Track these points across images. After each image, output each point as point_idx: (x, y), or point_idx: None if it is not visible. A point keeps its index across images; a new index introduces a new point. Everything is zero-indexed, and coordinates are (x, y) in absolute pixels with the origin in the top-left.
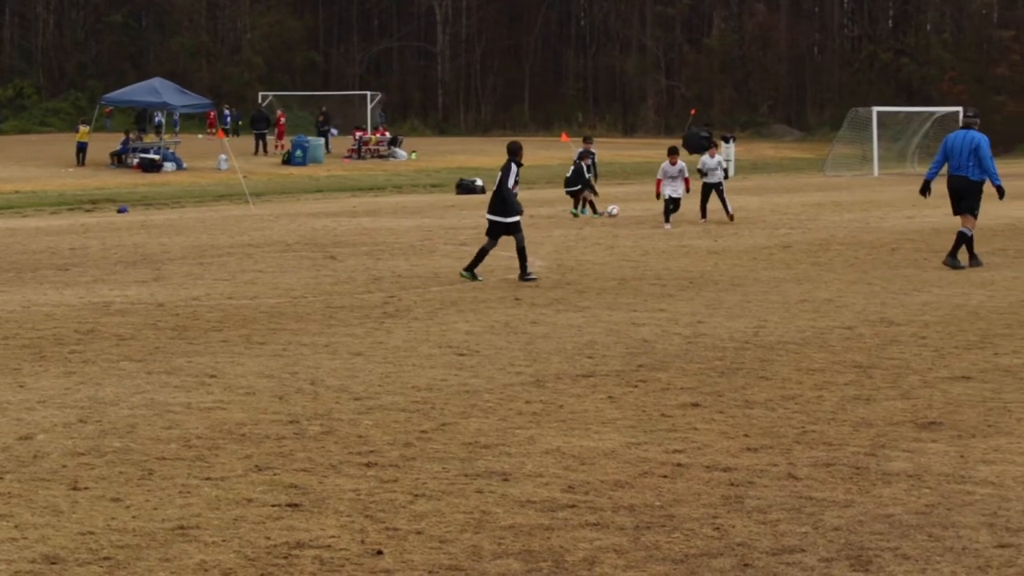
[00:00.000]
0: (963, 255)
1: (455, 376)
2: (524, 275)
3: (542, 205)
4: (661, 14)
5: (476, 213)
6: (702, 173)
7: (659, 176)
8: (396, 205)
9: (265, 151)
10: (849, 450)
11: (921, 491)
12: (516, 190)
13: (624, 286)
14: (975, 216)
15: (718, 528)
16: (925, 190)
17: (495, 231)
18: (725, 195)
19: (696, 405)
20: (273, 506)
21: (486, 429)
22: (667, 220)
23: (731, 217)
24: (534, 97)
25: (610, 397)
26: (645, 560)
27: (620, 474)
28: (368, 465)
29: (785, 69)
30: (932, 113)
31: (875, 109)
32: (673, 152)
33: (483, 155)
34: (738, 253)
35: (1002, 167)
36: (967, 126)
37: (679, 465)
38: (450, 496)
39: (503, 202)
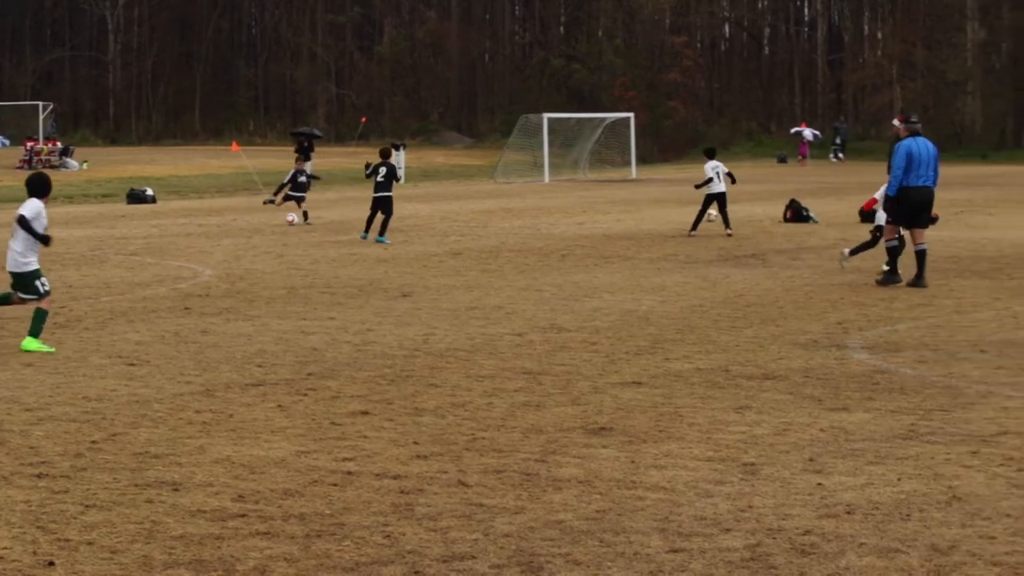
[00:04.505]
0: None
1: (125, 386)
2: None
3: (211, 214)
4: (332, 22)
5: (147, 223)
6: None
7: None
8: (67, 215)
9: None
10: (519, 456)
11: (592, 497)
12: None
13: (294, 295)
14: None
15: (388, 536)
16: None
17: None
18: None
19: (366, 413)
20: None
21: (156, 439)
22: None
23: None
24: (205, 106)
25: (280, 406)
26: (316, 568)
27: (290, 483)
28: (39, 476)
29: (456, 76)
30: (603, 119)
31: (546, 116)
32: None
33: (154, 164)
34: (408, 261)
35: (675, 172)
36: (915, 132)
37: (349, 473)
38: (121, 506)
39: None
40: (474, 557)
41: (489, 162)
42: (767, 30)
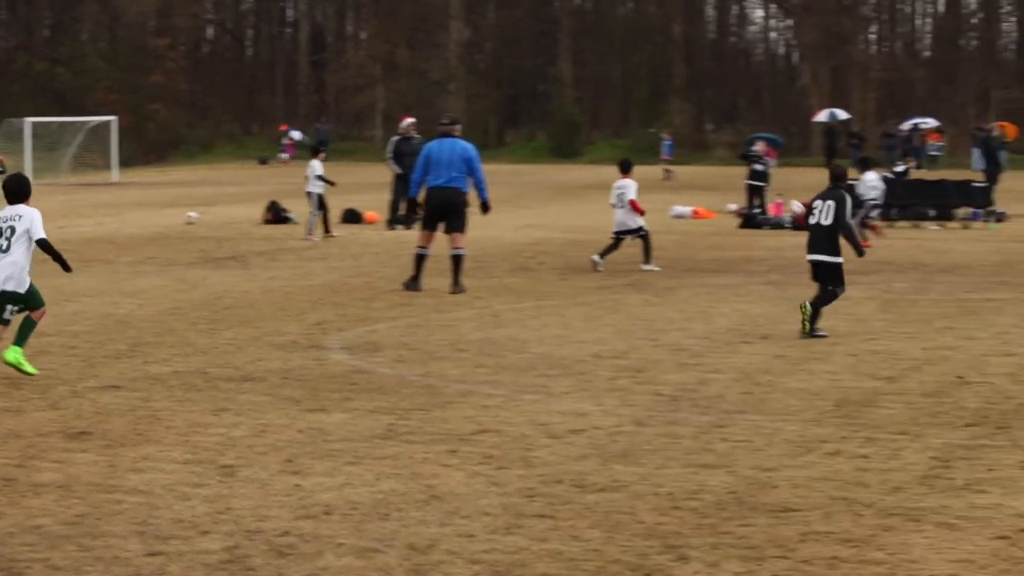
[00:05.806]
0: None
1: None
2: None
3: None
4: None
5: None
6: None
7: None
8: None
9: None
10: None
11: (71, 501)
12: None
13: None
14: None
15: None
16: (415, 207)
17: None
18: None
19: None
20: None
21: None
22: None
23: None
24: None
25: None
26: None
27: None
28: None
29: None
30: (86, 122)
31: (28, 120)
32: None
33: None
34: None
35: (157, 175)
36: (446, 134)
37: None
38: None
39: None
40: None
41: None
42: (250, 31)
